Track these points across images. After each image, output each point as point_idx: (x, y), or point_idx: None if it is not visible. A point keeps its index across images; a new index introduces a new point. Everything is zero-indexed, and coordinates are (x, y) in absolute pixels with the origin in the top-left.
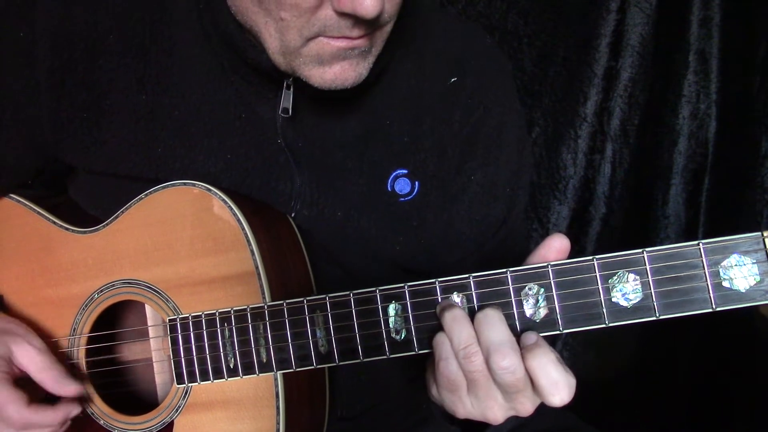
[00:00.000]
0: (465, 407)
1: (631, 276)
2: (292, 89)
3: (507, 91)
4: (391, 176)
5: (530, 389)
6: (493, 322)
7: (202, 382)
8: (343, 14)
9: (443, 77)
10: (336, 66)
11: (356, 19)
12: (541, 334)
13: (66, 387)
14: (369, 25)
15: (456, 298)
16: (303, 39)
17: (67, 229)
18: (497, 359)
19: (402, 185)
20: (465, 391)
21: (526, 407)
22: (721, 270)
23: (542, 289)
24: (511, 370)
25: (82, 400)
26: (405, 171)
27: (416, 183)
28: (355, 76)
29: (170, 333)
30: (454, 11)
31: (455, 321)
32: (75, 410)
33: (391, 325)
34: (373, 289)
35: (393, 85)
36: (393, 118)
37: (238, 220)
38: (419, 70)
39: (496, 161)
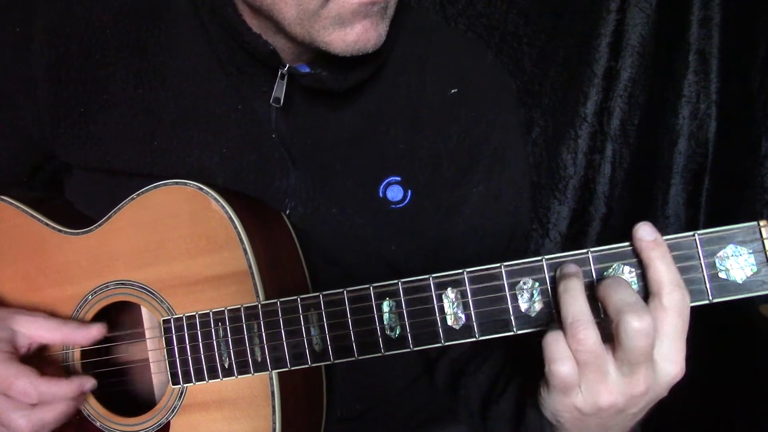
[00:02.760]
0: (577, 405)
1: (627, 268)
2: (285, 79)
3: (510, 110)
4: (384, 182)
5: (651, 360)
6: (622, 284)
7: (197, 383)
8: None
9: (443, 89)
10: (357, 26)
11: None
12: (537, 330)
13: (89, 331)
14: None
15: (450, 293)
16: None
17: (60, 230)
18: (631, 320)
19: (394, 192)
20: (578, 388)
21: (640, 385)
22: (717, 261)
23: (537, 284)
24: (646, 331)
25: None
26: (398, 178)
27: (409, 191)
28: (376, 37)
29: (164, 333)
30: (463, 24)
31: (567, 293)
32: (89, 383)
33: (385, 322)
34: (367, 286)
35: (392, 92)
36: (389, 124)
37: (231, 219)
38: (420, 80)
39: (499, 176)
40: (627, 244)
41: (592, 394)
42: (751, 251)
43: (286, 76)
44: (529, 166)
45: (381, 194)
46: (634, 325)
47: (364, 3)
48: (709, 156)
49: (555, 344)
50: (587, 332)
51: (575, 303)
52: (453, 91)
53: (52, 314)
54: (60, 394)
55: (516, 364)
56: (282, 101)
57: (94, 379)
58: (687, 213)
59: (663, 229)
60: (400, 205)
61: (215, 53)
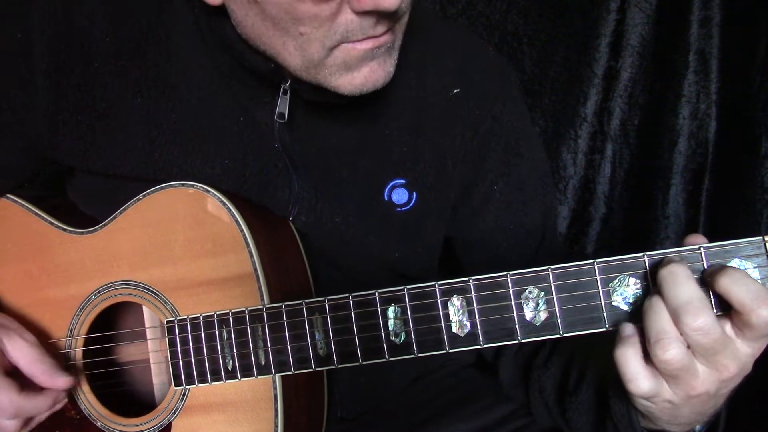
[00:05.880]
0: (668, 398)
1: (632, 280)
2: (288, 94)
3: (515, 101)
4: (388, 186)
5: (730, 345)
6: (679, 279)
7: (200, 384)
8: (364, 14)
9: (445, 88)
10: (364, 69)
11: (378, 16)
12: (541, 338)
13: (56, 379)
14: (391, 19)
15: (456, 301)
16: (326, 49)
17: (64, 229)
18: (688, 320)
19: (399, 195)
20: (694, 366)
21: (729, 368)
22: None
23: (542, 293)
24: (705, 330)
25: (73, 390)
26: (403, 181)
27: (414, 194)
28: (384, 75)
29: (168, 335)
30: (463, 24)
31: (650, 309)
32: (62, 396)
33: (390, 328)
34: (373, 291)
35: (393, 94)
36: (392, 127)
37: (237, 222)
38: (421, 81)
39: (517, 168)
40: (634, 255)
41: (684, 389)
42: (755, 265)
43: (289, 91)
44: (544, 150)
45: (386, 197)
46: (694, 325)
47: (368, 49)
48: (709, 156)
49: (630, 363)
50: (673, 351)
51: (658, 320)
52: (455, 91)
53: (54, 315)
54: (36, 408)
55: (589, 354)
56: (286, 116)
57: (65, 392)
58: (687, 213)
59: (663, 230)
60: (406, 208)
61: (216, 65)
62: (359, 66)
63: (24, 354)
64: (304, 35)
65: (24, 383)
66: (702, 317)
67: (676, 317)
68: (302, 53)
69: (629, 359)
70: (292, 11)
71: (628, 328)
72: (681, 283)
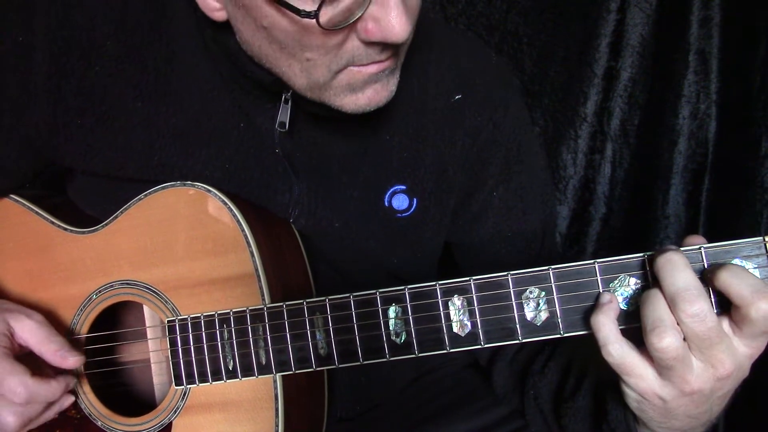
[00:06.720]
0: (660, 395)
1: (633, 280)
2: (290, 103)
3: (518, 107)
4: (389, 191)
5: (726, 339)
6: (677, 267)
7: (200, 384)
8: (370, 43)
9: (447, 94)
10: (368, 90)
11: (384, 44)
12: (541, 338)
13: (67, 359)
14: (396, 46)
15: (457, 300)
16: (332, 73)
17: (65, 229)
18: (685, 307)
19: (400, 201)
20: (690, 359)
21: (725, 365)
22: None
23: (543, 293)
24: (701, 317)
25: (77, 391)
26: (403, 187)
27: (414, 199)
28: (387, 95)
29: (169, 334)
30: (463, 24)
31: (648, 298)
32: (72, 381)
33: (391, 328)
34: (373, 291)
35: (395, 100)
36: (393, 133)
37: (238, 222)
38: (422, 86)
39: (517, 175)
40: (634, 255)
41: (678, 384)
42: (756, 266)
43: (290, 101)
44: (545, 157)
45: (386, 203)
46: (689, 311)
47: (373, 73)
48: (709, 156)
49: (603, 329)
50: (669, 339)
51: (655, 309)
52: (457, 97)
53: (55, 314)
54: (49, 394)
55: (587, 361)
56: (287, 125)
57: (75, 378)
58: (687, 213)
59: (663, 230)
60: (406, 214)
61: (217, 70)
62: (363, 88)
63: (33, 334)
64: (310, 60)
65: (35, 370)
66: (698, 303)
67: (672, 304)
68: (308, 75)
69: (603, 324)
70: (300, 39)
71: (606, 296)
72: (678, 270)
